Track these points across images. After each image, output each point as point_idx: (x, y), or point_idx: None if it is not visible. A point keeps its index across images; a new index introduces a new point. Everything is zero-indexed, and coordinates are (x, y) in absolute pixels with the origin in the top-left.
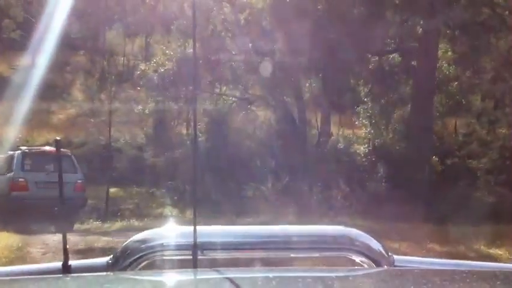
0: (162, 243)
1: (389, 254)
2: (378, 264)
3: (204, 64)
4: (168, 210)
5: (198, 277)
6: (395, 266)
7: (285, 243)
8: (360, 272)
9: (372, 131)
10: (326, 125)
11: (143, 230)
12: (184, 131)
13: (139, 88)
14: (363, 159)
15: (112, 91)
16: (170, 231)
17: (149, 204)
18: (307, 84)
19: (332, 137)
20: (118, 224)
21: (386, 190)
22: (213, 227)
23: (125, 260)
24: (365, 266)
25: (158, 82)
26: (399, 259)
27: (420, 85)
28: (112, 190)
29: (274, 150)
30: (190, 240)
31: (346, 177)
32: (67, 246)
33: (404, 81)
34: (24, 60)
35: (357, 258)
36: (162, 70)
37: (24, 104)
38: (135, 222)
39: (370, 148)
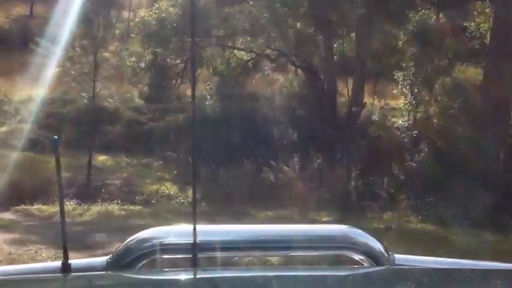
0: (162, 243)
1: (390, 252)
2: (379, 263)
3: (216, 12)
4: (165, 187)
5: (197, 276)
6: (395, 265)
7: (285, 242)
8: (361, 271)
9: (414, 102)
10: (359, 93)
11: (126, 218)
12: (188, 91)
13: (134, 36)
14: (403, 135)
15: (98, 38)
16: (170, 231)
17: (143, 179)
18: (337, 44)
19: (365, 108)
20: (96, 208)
21: (433, 173)
22: (213, 226)
23: (125, 259)
24: (366, 264)
25: (158, 31)
26: (399, 258)
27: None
28: (100, 159)
29: (298, 121)
30: (190, 239)
31: (386, 156)
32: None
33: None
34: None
35: (358, 257)
36: (163, 15)
37: None
38: (117, 208)
39: (411, 122)
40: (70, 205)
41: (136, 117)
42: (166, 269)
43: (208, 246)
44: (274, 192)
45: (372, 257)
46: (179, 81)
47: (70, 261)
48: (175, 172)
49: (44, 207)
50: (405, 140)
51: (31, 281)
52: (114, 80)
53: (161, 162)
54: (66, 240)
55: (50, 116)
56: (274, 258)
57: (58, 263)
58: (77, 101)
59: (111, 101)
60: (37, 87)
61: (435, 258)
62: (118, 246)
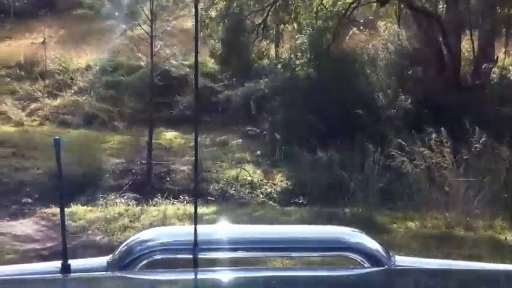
0: (162, 243)
1: (390, 254)
2: (379, 264)
3: None
4: (246, 172)
5: (198, 277)
6: (396, 266)
7: (286, 243)
8: (362, 272)
9: None
10: (488, 45)
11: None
12: (272, 51)
13: None
14: None
15: None
16: (170, 231)
17: (218, 162)
18: None
19: (498, 64)
20: (153, 210)
21: None
22: (214, 226)
23: (125, 259)
24: (366, 266)
25: None
26: (400, 259)
27: None
28: (167, 136)
29: (412, 84)
30: (191, 239)
31: None
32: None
33: None
34: None
35: (358, 258)
36: None
37: None
38: (182, 210)
39: None
40: (119, 204)
41: (209, 85)
42: (167, 270)
43: (208, 247)
44: (410, 188)
45: (373, 258)
46: (259, 35)
47: (69, 262)
48: (258, 152)
49: (81, 210)
50: None
51: (31, 281)
52: (181, 39)
53: (240, 139)
54: (65, 240)
55: (110, 86)
56: (274, 259)
57: (58, 263)
58: (139, 67)
59: (174, 62)
60: (95, 53)
61: (436, 260)
62: (118, 247)
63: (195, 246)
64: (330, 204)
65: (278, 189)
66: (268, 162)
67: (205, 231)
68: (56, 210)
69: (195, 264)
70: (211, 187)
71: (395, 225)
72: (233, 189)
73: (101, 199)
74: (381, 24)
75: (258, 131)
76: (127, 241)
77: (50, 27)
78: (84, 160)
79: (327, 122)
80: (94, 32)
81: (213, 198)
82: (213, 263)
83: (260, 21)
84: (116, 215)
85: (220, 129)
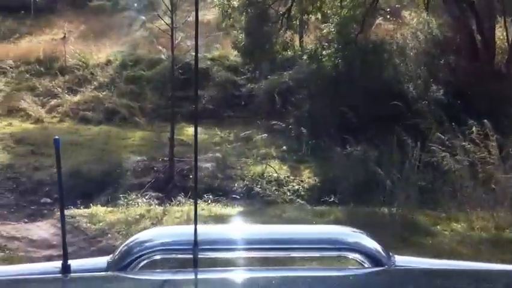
0: (162, 243)
1: (390, 254)
2: (379, 264)
3: None
4: (272, 168)
5: (198, 277)
6: (396, 266)
7: (285, 243)
8: (361, 272)
9: None
10: None
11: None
12: (296, 40)
13: None
14: None
15: None
16: (170, 231)
17: (242, 158)
18: None
19: None
20: (176, 211)
21: None
22: (213, 226)
23: (125, 259)
24: (366, 266)
25: None
26: (400, 259)
27: None
28: (189, 131)
29: (446, 76)
30: (191, 239)
31: None
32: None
33: None
34: None
35: (358, 258)
36: None
37: None
38: (207, 210)
39: None
40: (141, 204)
41: (231, 78)
42: (166, 270)
43: (208, 247)
44: (452, 185)
45: (373, 258)
46: (284, 25)
47: (69, 262)
48: (283, 148)
49: (101, 211)
50: None
51: (31, 281)
52: (202, 31)
53: (265, 134)
54: (65, 241)
55: (130, 80)
56: (274, 258)
57: (58, 264)
58: (160, 61)
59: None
60: (115, 47)
61: (436, 260)
62: (118, 247)
63: (195, 246)
64: (364, 203)
65: (306, 186)
66: (294, 157)
67: (205, 231)
68: (76, 211)
69: (195, 264)
70: (236, 185)
71: (439, 227)
72: (259, 186)
73: (122, 199)
74: (406, 13)
75: (283, 125)
76: (127, 241)
77: (70, 23)
78: (105, 157)
79: (356, 114)
80: (114, 26)
81: (237, 197)
82: (213, 263)
83: (284, 11)
84: (138, 217)
85: (243, 124)
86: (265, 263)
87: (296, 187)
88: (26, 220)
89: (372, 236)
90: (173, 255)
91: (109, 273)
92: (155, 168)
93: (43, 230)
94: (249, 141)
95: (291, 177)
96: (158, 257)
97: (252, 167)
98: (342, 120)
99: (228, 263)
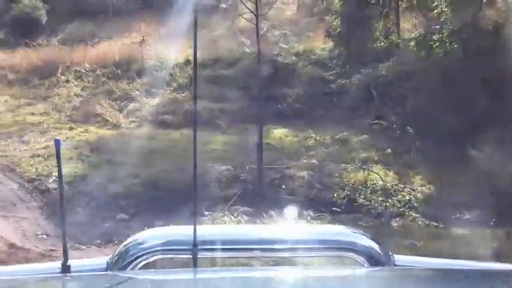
0: (162, 243)
1: (390, 253)
2: (379, 264)
3: None
4: (376, 175)
5: (197, 276)
6: (395, 266)
7: (285, 243)
8: (361, 272)
9: None
10: None
11: None
12: (393, 28)
13: None
14: None
15: None
16: (170, 231)
17: (339, 163)
18: None
19: None
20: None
21: None
22: (213, 227)
23: (125, 259)
24: (366, 265)
25: None
26: (399, 259)
27: None
28: (276, 134)
29: None
30: (190, 239)
31: None
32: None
33: None
34: None
35: (358, 258)
36: None
37: None
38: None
39: None
40: (228, 222)
41: (319, 73)
42: (166, 270)
43: (208, 247)
44: None
45: (373, 258)
46: (386, 7)
47: (69, 262)
48: (388, 150)
49: None
50: None
51: (31, 281)
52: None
53: (364, 135)
54: (65, 241)
55: (211, 80)
56: (273, 259)
57: (58, 264)
58: (241, 58)
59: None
60: (193, 47)
61: (435, 259)
62: (118, 247)
63: (195, 246)
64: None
65: (419, 196)
66: (400, 161)
67: (204, 231)
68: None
69: (195, 264)
70: (335, 195)
71: None
72: (362, 197)
73: (207, 215)
74: None
75: (385, 124)
76: (127, 241)
77: (148, 25)
78: (186, 166)
79: (476, 110)
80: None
81: (339, 210)
82: (212, 263)
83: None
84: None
85: (337, 124)
86: (265, 263)
87: (407, 197)
88: (98, 241)
89: (372, 236)
90: (173, 255)
91: (109, 273)
92: (241, 178)
93: None
94: (345, 143)
95: (400, 186)
96: (157, 257)
97: (353, 173)
98: (459, 116)
99: (227, 263)
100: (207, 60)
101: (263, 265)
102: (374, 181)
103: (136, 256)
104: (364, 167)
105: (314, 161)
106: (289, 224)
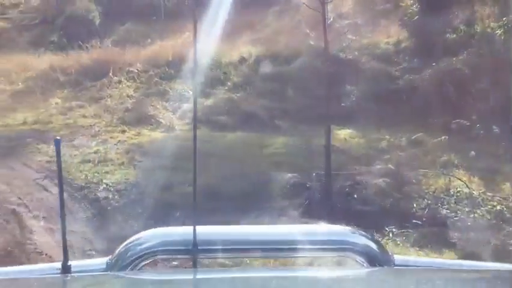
0: (162, 243)
1: (389, 253)
2: (379, 264)
3: None
4: (461, 182)
5: (197, 277)
6: (395, 266)
7: (285, 243)
8: (361, 272)
9: None
10: None
11: None
12: (478, 14)
13: None
14: None
15: None
16: (170, 232)
17: (415, 168)
18: None
19: None
20: None
21: None
22: (213, 227)
23: (125, 260)
24: (366, 266)
25: None
26: (399, 259)
27: None
28: (340, 135)
29: None
30: (190, 240)
31: None
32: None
33: None
34: None
35: (358, 258)
36: None
37: None
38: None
39: None
40: None
41: (385, 69)
42: (166, 270)
43: (208, 247)
44: None
45: (373, 258)
46: None
47: (70, 262)
48: (471, 153)
49: None
50: None
51: (31, 281)
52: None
53: (443, 136)
54: (66, 241)
55: (268, 78)
56: (273, 259)
57: (58, 264)
58: (306, 52)
59: (352, 37)
60: (249, 43)
61: (435, 259)
62: (118, 247)
63: (194, 246)
64: None
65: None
66: (486, 165)
67: (204, 232)
68: None
69: (194, 264)
70: (415, 205)
71: None
72: (445, 207)
73: None
74: None
75: (467, 123)
76: (127, 242)
77: (200, 24)
78: (245, 172)
79: None
80: (248, 19)
81: (419, 222)
82: (212, 263)
83: None
84: None
85: (410, 124)
86: (265, 263)
87: (498, 207)
88: None
89: (372, 236)
90: (173, 256)
91: (109, 273)
92: (307, 185)
93: None
94: (421, 145)
95: (488, 194)
96: (157, 257)
97: (432, 180)
98: None
99: (227, 264)
100: (265, 57)
101: (263, 265)
102: (458, 188)
103: (136, 256)
104: (443, 171)
105: (391, 166)
106: (288, 224)
